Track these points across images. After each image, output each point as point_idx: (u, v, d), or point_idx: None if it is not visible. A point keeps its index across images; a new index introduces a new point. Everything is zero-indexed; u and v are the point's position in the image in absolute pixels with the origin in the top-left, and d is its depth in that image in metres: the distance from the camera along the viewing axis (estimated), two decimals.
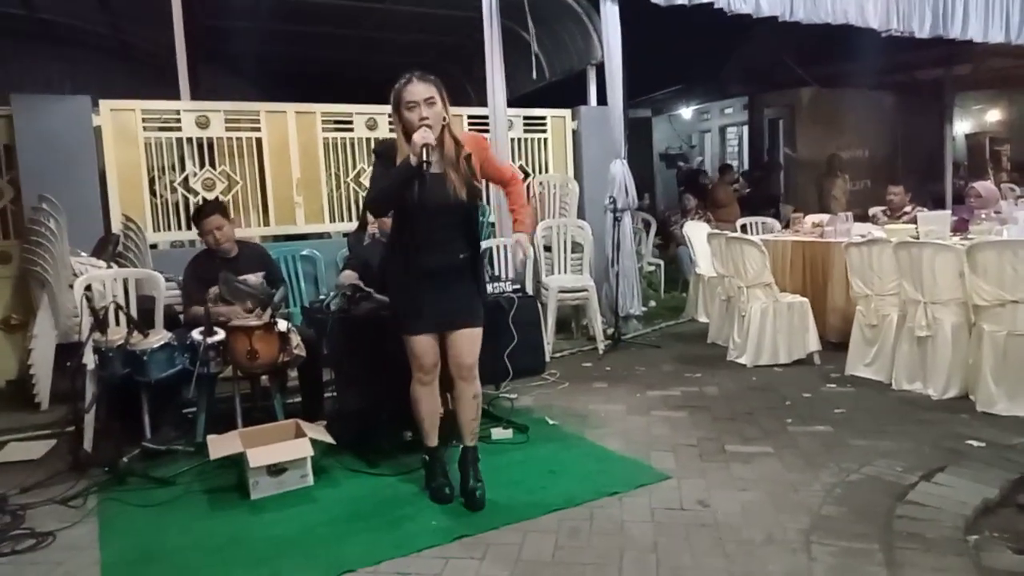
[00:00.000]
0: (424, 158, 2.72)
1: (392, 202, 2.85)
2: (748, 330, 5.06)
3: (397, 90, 2.84)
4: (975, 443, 3.46)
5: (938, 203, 8.84)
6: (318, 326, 3.91)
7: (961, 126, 12.62)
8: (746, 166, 13.62)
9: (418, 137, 2.72)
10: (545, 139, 6.71)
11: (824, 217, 6.30)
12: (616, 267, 5.82)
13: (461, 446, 3.11)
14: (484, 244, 5.56)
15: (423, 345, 2.95)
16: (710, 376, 4.83)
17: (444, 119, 2.83)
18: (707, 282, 6.32)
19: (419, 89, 2.80)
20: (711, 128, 15.59)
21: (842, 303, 5.22)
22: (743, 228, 7.03)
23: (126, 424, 3.70)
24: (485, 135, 6.07)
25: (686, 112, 15.32)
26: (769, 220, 7.35)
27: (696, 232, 6.68)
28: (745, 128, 13.86)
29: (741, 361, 5.07)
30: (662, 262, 8.02)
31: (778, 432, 3.74)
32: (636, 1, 5.49)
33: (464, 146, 2.88)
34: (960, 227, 5.08)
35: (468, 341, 2.97)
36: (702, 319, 6.41)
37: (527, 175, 6.63)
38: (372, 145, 5.91)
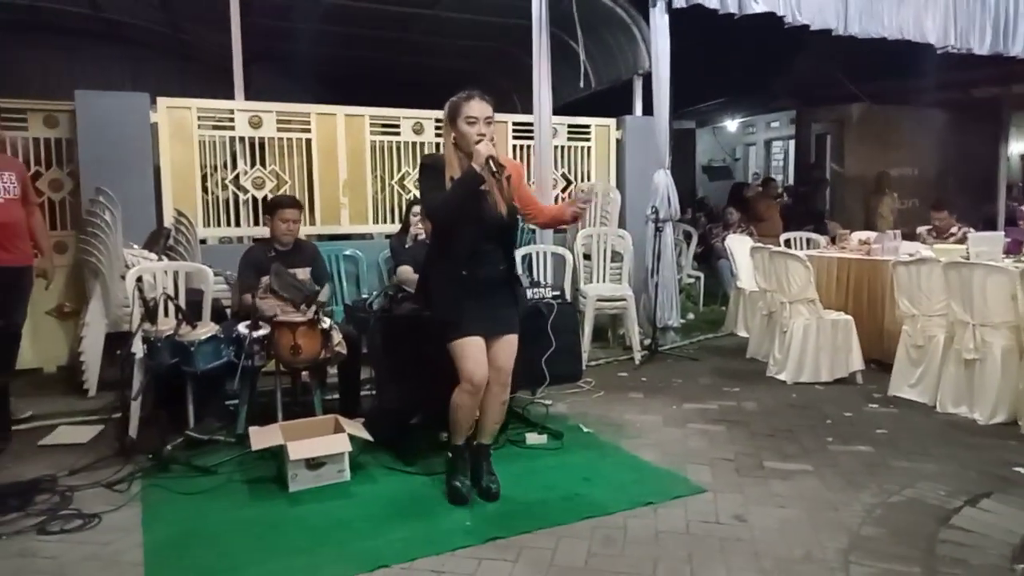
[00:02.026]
0: (494, 169, 2.82)
1: (457, 211, 2.89)
2: (789, 346, 5.00)
3: (456, 103, 2.93)
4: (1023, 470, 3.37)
5: (990, 224, 8.60)
6: (359, 324, 3.97)
7: (1017, 146, 12.27)
8: (791, 181, 13.45)
9: (484, 148, 2.85)
10: (589, 147, 6.71)
11: (871, 234, 6.19)
12: (655, 277, 5.79)
13: (476, 442, 3.16)
14: (525, 250, 5.66)
15: (475, 348, 2.96)
16: (749, 391, 4.78)
17: (493, 139, 2.95)
18: (748, 296, 6.25)
19: (481, 107, 2.91)
20: (756, 141, 15.44)
21: (887, 322, 5.11)
22: (787, 243, 6.94)
23: (171, 413, 3.80)
24: (529, 141, 6.15)
25: (731, 124, 15.20)
26: (814, 235, 7.24)
27: (738, 246, 6.62)
28: (791, 142, 13.69)
29: (781, 377, 5.01)
30: (702, 274, 7.95)
31: (818, 450, 3.68)
32: (684, 11, 5.48)
33: (506, 167, 2.97)
34: (1013, 249, 4.94)
35: (510, 348, 3.05)
36: (742, 333, 6.35)
37: (569, 183, 6.64)
38: (417, 149, 5.99)
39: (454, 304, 2.96)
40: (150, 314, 3.65)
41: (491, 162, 2.82)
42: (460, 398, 3.01)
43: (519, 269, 5.42)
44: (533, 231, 5.96)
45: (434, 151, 5.90)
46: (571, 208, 2.98)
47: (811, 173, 12.13)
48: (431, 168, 2.99)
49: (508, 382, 3.07)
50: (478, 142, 2.86)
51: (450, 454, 3.17)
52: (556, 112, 6.06)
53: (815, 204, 11.26)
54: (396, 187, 6.00)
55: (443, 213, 2.92)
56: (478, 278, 2.96)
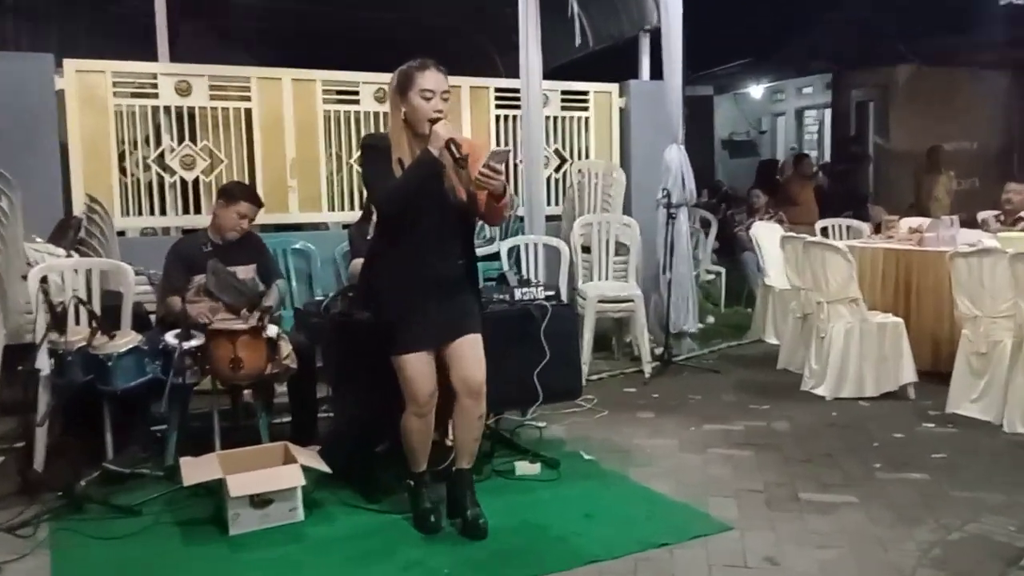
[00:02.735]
0: (456, 155, 2.88)
1: (410, 201, 2.95)
2: (828, 355, 5.03)
3: (408, 72, 2.98)
4: None
5: None
6: (313, 333, 3.96)
7: None
8: (827, 157, 13.56)
9: (443, 130, 2.90)
10: (587, 118, 6.74)
11: (924, 221, 6.25)
12: (668, 274, 5.82)
13: (455, 469, 3.21)
14: (511, 241, 5.67)
15: (418, 367, 3.03)
16: (780, 409, 4.81)
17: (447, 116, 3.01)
18: (778, 295, 6.29)
19: (438, 79, 2.97)
20: (786, 111, 15.55)
21: (944, 326, 5.16)
22: (824, 231, 6.99)
23: (85, 441, 3.76)
24: (515, 111, 6.16)
25: (755, 91, 15.29)
26: (855, 223, 7.31)
27: (766, 234, 6.67)
28: (827, 112, 13.79)
29: (819, 392, 5.04)
30: (723, 269, 7.99)
31: (863, 479, 3.72)
32: None
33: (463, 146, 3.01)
34: None
35: (472, 351, 3.09)
36: (771, 340, 6.39)
37: (564, 160, 6.66)
38: (381, 121, 5.98)
39: (400, 310, 3.02)
40: (58, 322, 3.61)
41: (452, 146, 2.88)
42: (409, 422, 3.11)
43: (504, 262, 5.48)
44: (522, 220, 5.97)
45: None
46: (480, 172, 2.90)
47: (851, 148, 12.24)
48: (375, 150, 3.07)
49: (483, 393, 3.11)
50: (435, 121, 2.92)
51: (411, 482, 3.24)
52: (547, 76, 6.07)
53: (856, 185, 11.36)
54: (356, 167, 5.99)
55: (394, 204, 2.98)
56: (432, 278, 3.04)
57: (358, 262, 4.23)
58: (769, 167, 11.92)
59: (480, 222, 3.25)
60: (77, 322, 3.90)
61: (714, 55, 11.49)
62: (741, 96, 15.61)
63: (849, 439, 4.26)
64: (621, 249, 6.05)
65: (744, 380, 5.49)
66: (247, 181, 5.62)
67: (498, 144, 6.09)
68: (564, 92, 6.66)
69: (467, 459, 3.21)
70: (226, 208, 4.10)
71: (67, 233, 4.75)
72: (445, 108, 2.97)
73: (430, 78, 2.96)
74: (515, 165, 6.17)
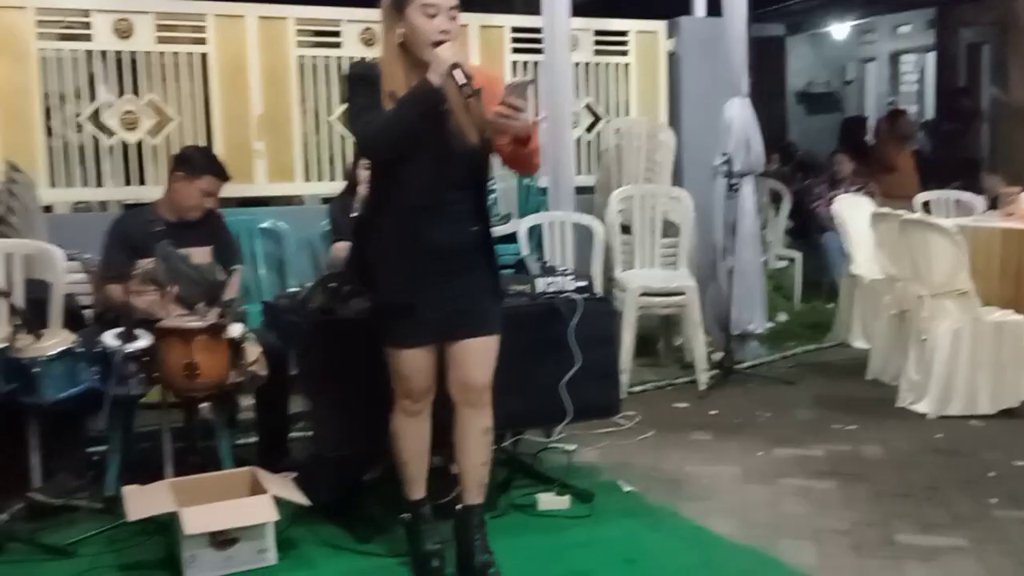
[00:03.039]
0: (461, 82, 2.83)
1: (403, 141, 2.93)
2: (931, 362, 5.03)
3: None
4: None
5: None
6: (286, 332, 3.99)
7: None
8: (929, 114, 13.48)
9: (446, 52, 2.86)
10: (626, 65, 6.73)
11: None
12: (729, 260, 5.82)
13: (460, 506, 3.22)
14: (532, 219, 5.68)
15: (414, 361, 3.09)
16: (871, 430, 4.81)
17: (456, 39, 2.99)
18: (868, 287, 6.28)
19: None
20: (877, 55, 15.45)
21: None
22: (926, 206, 6.96)
23: (6, 466, 3.79)
24: (537, 56, 6.16)
25: (838, 30, 15.21)
26: (966, 196, 7.28)
27: (853, 211, 6.65)
28: (930, 56, 13.71)
29: (919, 409, 5.04)
30: (799, 255, 7.98)
31: (976, 517, 3.72)
32: None
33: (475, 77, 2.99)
34: None
35: (480, 354, 3.12)
36: (858, 343, 6.38)
37: (598, 118, 6.66)
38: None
39: (397, 288, 3.06)
40: None
41: (457, 72, 2.84)
42: (399, 424, 3.18)
43: (523, 245, 5.49)
44: (544, 192, 5.98)
45: None
46: (496, 111, 2.90)
47: (960, 102, 12.15)
48: (362, 80, 3.05)
49: (485, 402, 3.15)
50: (438, 43, 2.89)
51: (407, 516, 3.25)
52: (577, 12, 6.07)
53: (966, 149, 11.28)
54: (338, 126, 6.01)
55: (382, 143, 2.97)
56: (438, 244, 3.03)
57: (342, 246, 4.26)
58: (856, 126, 11.87)
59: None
60: None
61: None
62: (820, 37, 15.52)
63: (957, 468, 4.26)
64: (670, 229, 6.05)
65: (824, 393, 5.49)
66: (203, 142, 5.67)
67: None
68: (598, 32, 6.65)
69: (475, 491, 3.22)
70: (188, 182, 4.14)
71: None
72: (452, 28, 2.95)
73: None
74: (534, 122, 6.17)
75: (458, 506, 3.24)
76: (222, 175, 4.24)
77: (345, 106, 5.95)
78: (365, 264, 3.18)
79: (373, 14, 5.86)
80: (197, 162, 4.24)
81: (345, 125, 6.00)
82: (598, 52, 6.66)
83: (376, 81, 3.00)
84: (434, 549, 3.21)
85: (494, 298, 3.19)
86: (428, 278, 3.04)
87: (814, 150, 12.48)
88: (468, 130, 3.00)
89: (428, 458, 3.26)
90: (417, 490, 3.24)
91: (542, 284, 3.95)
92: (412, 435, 3.18)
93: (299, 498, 3.47)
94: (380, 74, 3.02)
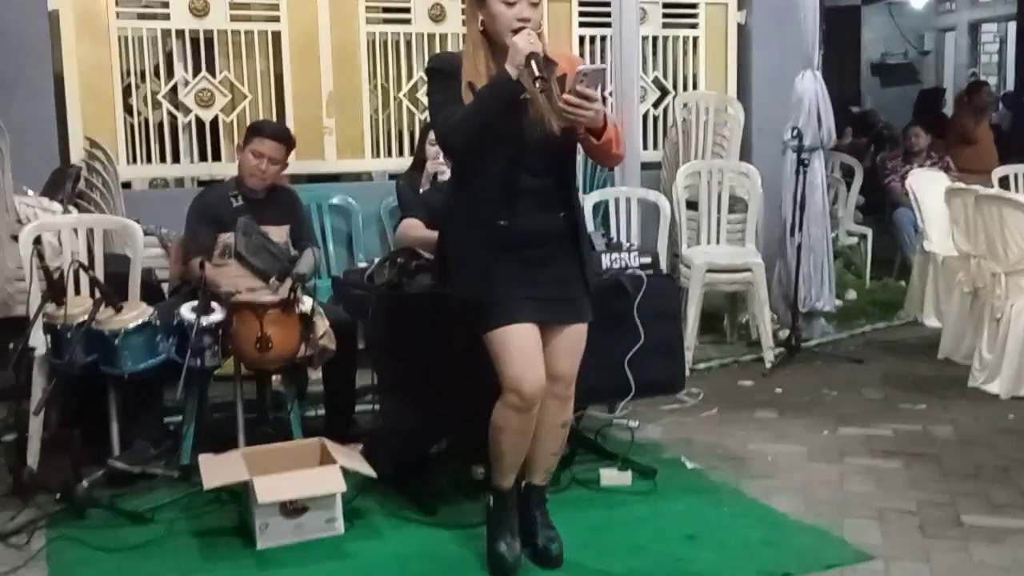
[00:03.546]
0: (538, 73, 2.73)
1: (482, 135, 2.87)
2: (1005, 341, 4.95)
3: None
4: None
5: None
6: (354, 307, 4.06)
7: None
8: (1010, 85, 13.13)
9: (522, 42, 2.77)
10: (695, 38, 6.67)
11: None
12: (797, 237, 5.75)
13: (525, 483, 3.20)
14: (597, 195, 5.67)
15: (524, 339, 2.95)
16: (940, 409, 4.75)
17: (539, 27, 2.91)
18: (941, 265, 6.17)
19: None
20: (956, 24, 15.06)
21: None
22: (1003, 182, 6.79)
23: (87, 434, 3.90)
24: (604, 30, 6.12)
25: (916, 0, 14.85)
26: None
27: (927, 186, 6.53)
28: (1011, 26, 13.32)
29: (991, 389, 4.97)
30: (870, 231, 7.85)
31: None
32: None
33: (558, 64, 2.93)
34: None
35: (573, 344, 3.07)
36: (930, 322, 6.29)
37: (665, 92, 6.61)
38: (437, 45, 6.02)
39: (486, 274, 2.96)
40: (55, 292, 3.76)
41: (534, 63, 2.75)
42: (504, 417, 3.01)
43: (588, 221, 5.48)
44: (611, 170, 5.95)
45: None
46: (565, 99, 2.77)
47: None
48: (442, 74, 3.02)
49: (569, 395, 3.11)
50: (517, 31, 2.82)
51: (491, 502, 3.21)
52: None
53: None
54: (406, 102, 6.06)
55: (461, 137, 2.91)
56: (523, 232, 2.97)
57: (410, 223, 4.29)
58: (933, 98, 11.62)
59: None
60: (77, 292, 4.04)
61: None
62: (898, 7, 15.17)
63: None
64: (737, 205, 5.99)
65: (894, 372, 5.42)
66: (275, 119, 5.75)
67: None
68: (666, 4, 6.60)
69: (540, 475, 3.21)
70: (244, 149, 4.22)
71: (64, 185, 4.93)
72: (534, 16, 2.86)
73: None
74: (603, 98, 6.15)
75: (523, 483, 3.20)
76: (280, 137, 4.25)
77: (412, 82, 6.05)
78: (447, 257, 3.11)
79: None
80: (254, 126, 4.33)
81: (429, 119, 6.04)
82: (666, 25, 6.62)
83: (456, 72, 2.94)
84: (512, 542, 3.12)
85: (583, 286, 3.09)
86: (513, 265, 2.96)
87: (890, 122, 12.25)
88: (549, 115, 2.88)
89: (527, 451, 3.13)
90: (508, 478, 3.13)
91: (607, 260, 3.95)
92: (517, 433, 3.02)
93: (366, 469, 3.51)
94: (459, 66, 2.96)
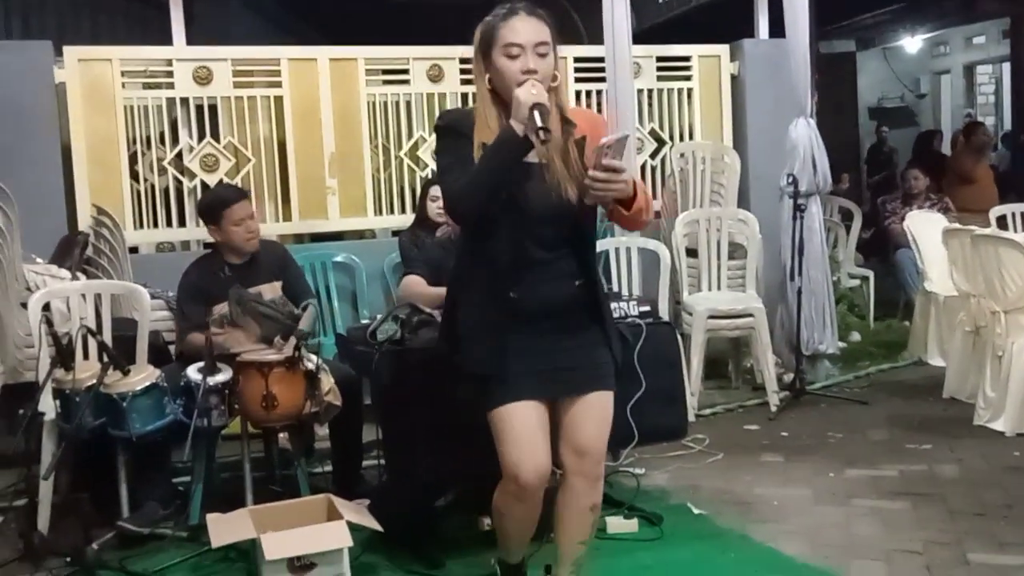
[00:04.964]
0: (540, 124, 2.54)
1: (490, 197, 2.69)
2: (1008, 379, 4.95)
3: (490, 25, 2.74)
4: None
5: None
6: (359, 363, 4.09)
7: None
8: (1007, 125, 13.20)
9: (524, 94, 2.59)
10: (690, 90, 6.74)
11: None
12: (797, 281, 5.78)
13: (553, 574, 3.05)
14: (599, 246, 5.65)
15: (526, 421, 2.76)
16: (946, 449, 4.75)
17: (555, 79, 2.75)
18: (943, 305, 6.19)
19: (527, 28, 2.69)
20: (951, 67, 15.18)
21: None
22: (1000, 221, 6.82)
23: (96, 497, 3.96)
24: (600, 85, 6.21)
25: (910, 44, 15.00)
26: None
27: (925, 227, 6.56)
28: (1005, 67, 13.42)
29: (996, 427, 4.97)
30: (872, 273, 7.88)
31: None
32: None
33: (577, 124, 2.81)
34: None
35: (592, 411, 2.85)
36: (935, 361, 6.31)
37: (662, 143, 6.69)
38: (436, 104, 6.10)
39: (495, 350, 2.76)
40: (63, 357, 3.80)
41: (538, 113, 2.55)
42: (504, 504, 2.90)
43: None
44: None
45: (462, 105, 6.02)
46: (591, 176, 2.58)
47: None
48: (450, 132, 2.84)
49: (598, 474, 2.89)
50: (521, 84, 2.63)
51: (498, 572, 3.18)
52: (639, 40, 6.11)
53: None
54: (407, 161, 6.14)
55: (468, 203, 2.71)
56: (536, 305, 2.77)
57: (413, 280, 4.34)
58: (930, 140, 11.69)
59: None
60: (86, 356, 4.10)
61: (855, 1, 11.34)
62: (892, 51, 15.32)
63: None
64: (736, 251, 6.04)
65: (899, 413, 5.42)
66: (278, 183, 5.83)
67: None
68: (660, 58, 6.68)
69: (567, 567, 2.96)
70: (222, 226, 4.22)
71: (72, 252, 5.00)
72: (542, 67, 2.67)
73: (517, 27, 2.68)
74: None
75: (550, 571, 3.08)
76: (241, 195, 4.33)
77: (413, 141, 6.13)
78: (454, 325, 2.91)
79: (439, 51, 6.10)
80: (216, 197, 4.37)
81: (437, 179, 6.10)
82: (661, 78, 6.68)
83: (467, 130, 2.76)
84: None
85: (607, 352, 2.87)
86: (524, 337, 2.77)
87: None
88: (567, 183, 2.72)
89: (533, 531, 3.02)
90: (515, 554, 3.08)
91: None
92: (518, 520, 2.92)
93: (373, 524, 3.52)
94: (470, 123, 2.77)
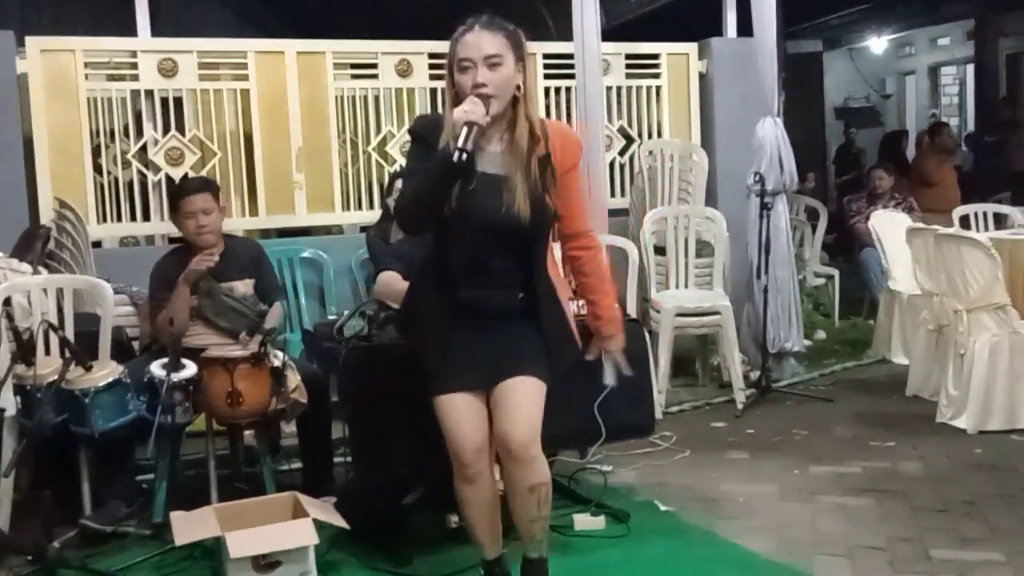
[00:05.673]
0: (462, 144, 2.65)
1: (430, 211, 2.82)
2: (969, 377, 5.00)
3: (452, 40, 2.83)
4: None
5: None
6: (326, 360, 4.07)
7: None
8: (971, 126, 13.36)
9: (457, 112, 2.69)
10: (658, 88, 6.76)
11: None
12: (764, 279, 5.82)
13: (524, 555, 3.10)
14: None
15: (459, 412, 2.93)
16: (909, 446, 4.79)
17: (518, 90, 2.82)
18: (907, 303, 6.25)
19: (480, 41, 2.76)
20: (916, 68, 15.34)
21: None
22: (963, 221, 6.90)
23: (58, 494, 3.90)
24: (569, 81, 6.22)
25: (876, 44, 15.15)
26: (1006, 209, 7.22)
27: (889, 227, 6.62)
28: (969, 68, 13.59)
29: (958, 424, 5.01)
30: (837, 272, 7.94)
31: (1014, 531, 3.69)
32: None
33: (542, 141, 2.86)
34: None
35: (517, 397, 2.93)
36: (898, 359, 6.36)
37: (630, 141, 6.70)
38: (404, 99, 6.09)
39: (438, 340, 2.96)
40: (24, 352, 3.75)
41: (464, 132, 2.64)
42: (458, 488, 3.03)
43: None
44: None
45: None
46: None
47: (1000, 114, 12.04)
48: (420, 139, 2.94)
49: (531, 456, 2.93)
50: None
51: (481, 571, 3.19)
52: (608, 37, 6.12)
53: (1006, 161, 11.17)
54: (375, 156, 6.11)
55: (407, 213, 2.92)
56: (479, 307, 2.93)
57: (390, 276, 4.31)
58: (895, 140, 11.81)
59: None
60: (47, 351, 4.06)
61: (822, 1, 11.43)
62: (858, 52, 15.45)
63: (997, 483, 4.23)
64: (704, 249, 6.07)
65: (863, 410, 5.47)
66: (244, 178, 5.79)
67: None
68: (629, 56, 6.69)
69: (531, 546, 3.05)
70: (178, 218, 4.22)
71: (34, 245, 4.92)
72: (493, 79, 2.74)
73: (468, 42, 2.77)
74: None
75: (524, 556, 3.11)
76: (201, 187, 4.27)
77: (381, 136, 6.11)
78: (408, 314, 3.14)
79: (408, 46, 6.07)
80: (176, 188, 4.42)
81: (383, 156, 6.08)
82: (630, 75, 6.70)
83: (433, 141, 2.81)
84: None
85: (537, 345, 2.97)
86: (467, 333, 2.93)
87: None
88: (522, 200, 2.79)
89: (498, 520, 3.11)
90: (487, 550, 3.11)
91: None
92: (473, 503, 3.02)
93: (339, 521, 3.52)
94: (439, 130, 2.82)
